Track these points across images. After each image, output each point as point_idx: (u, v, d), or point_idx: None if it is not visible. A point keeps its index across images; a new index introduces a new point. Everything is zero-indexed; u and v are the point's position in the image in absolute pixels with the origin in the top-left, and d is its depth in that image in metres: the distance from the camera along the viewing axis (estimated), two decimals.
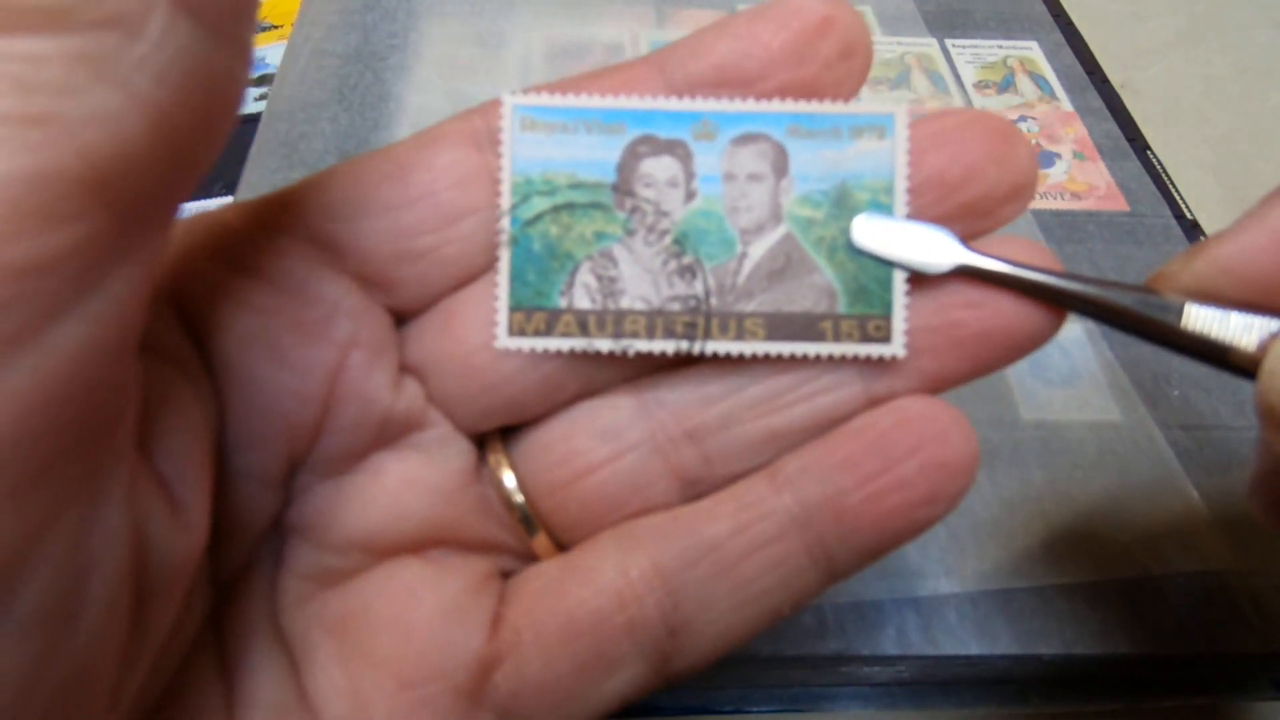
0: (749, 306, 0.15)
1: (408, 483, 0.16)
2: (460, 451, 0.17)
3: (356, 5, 0.43)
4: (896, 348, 0.15)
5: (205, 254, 0.15)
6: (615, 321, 0.15)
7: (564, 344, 0.15)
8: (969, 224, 0.15)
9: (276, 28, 0.44)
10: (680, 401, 0.16)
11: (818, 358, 0.15)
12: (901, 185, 0.15)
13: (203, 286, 0.15)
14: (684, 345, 0.15)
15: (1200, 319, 0.15)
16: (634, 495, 0.16)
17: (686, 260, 0.15)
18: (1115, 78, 0.42)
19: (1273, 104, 0.44)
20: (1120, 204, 0.36)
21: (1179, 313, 0.15)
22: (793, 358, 0.15)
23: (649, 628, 0.15)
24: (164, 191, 0.11)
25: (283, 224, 0.15)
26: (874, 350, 0.15)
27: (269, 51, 0.42)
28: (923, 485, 0.15)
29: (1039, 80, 0.42)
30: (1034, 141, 0.39)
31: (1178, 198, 0.37)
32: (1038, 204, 0.36)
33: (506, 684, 0.16)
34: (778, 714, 0.26)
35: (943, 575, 0.26)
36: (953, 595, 0.25)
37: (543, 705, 0.16)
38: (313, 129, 0.37)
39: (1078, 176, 0.37)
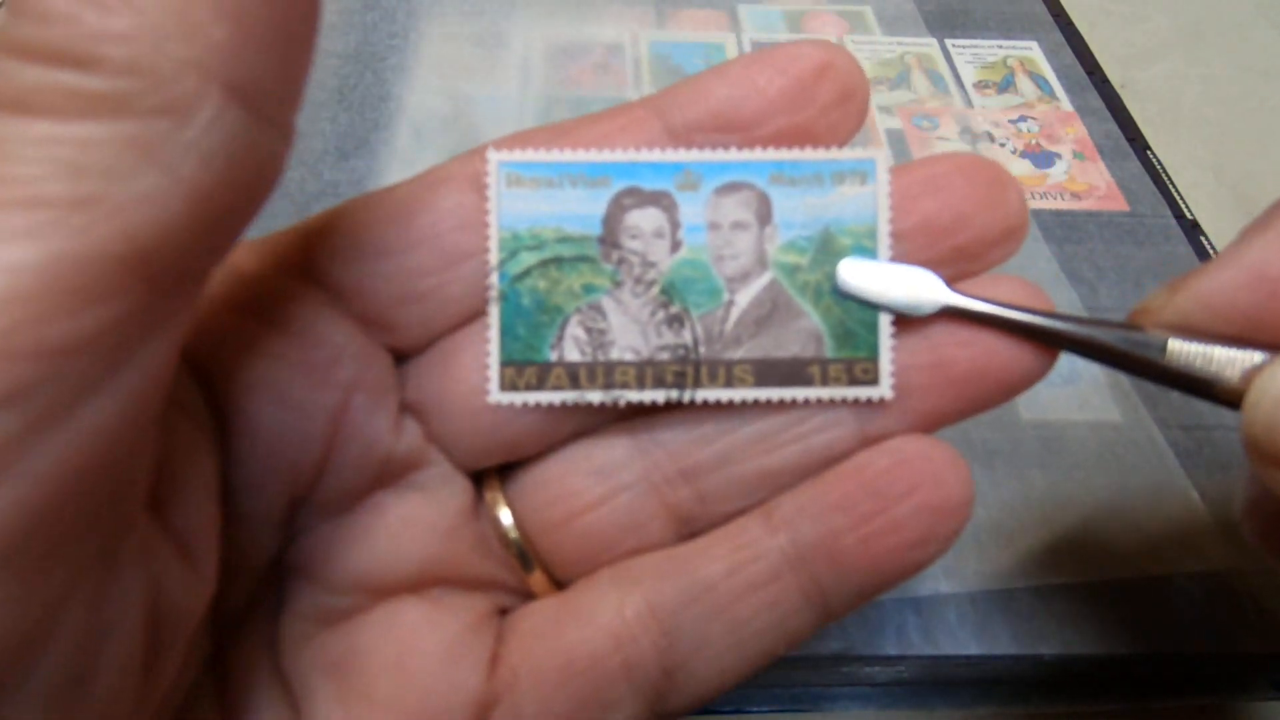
0: (737, 354, 0.16)
1: (407, 522, 0.16)
2: (459, 490, 0.17)
3: (356, 5, 0.43)
4: (884, 390, 0.15)
5: (210, 298, 0.15)
6: (605, 373, 0.16)
7: (555, 397, 0.16)
8: (960, 267, 0.15)
9: None
10: (675, 441, 0.16)
11: (806, 402, 0.16)
12: (884, 229, 0.15)
13: (208, 330, 0.15)
14: (674, 394, 0.16)
15: (1183, 354, 0.15)
16: (629, 534, 0.16)
17: (674, 310, 0.16)
18: (1115, 78, 0.42)
19: (1273, 104, 0.44)
20: (1120, 204, 0.36)
21: (1162, 348, 0.15)
22: (782, 403, 0.16)
23: (644, 668, 0.16)
24: (199, 264, 0.11)
25: (287, 266, 0.15)
26: (862, 393, 0.15)
27: None
28: (917, 527, 0.15)
29: (1039, 80, 0.42)
30: (1034, 141, 0.39)
31: (1178, 198, 0.37)
32: (1038, 204, 0.36)
33: None
34: (778, 714, 0.26)
35: (943, 575, 0.26)
36: (953, 595, 0.25)
37: None
38: (312, 129, 0.37)
39: (1078, 176, 0.37)
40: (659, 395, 0.16)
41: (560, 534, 0.17)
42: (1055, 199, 0.36)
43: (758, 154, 0.15)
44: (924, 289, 0.15)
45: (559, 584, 0.17)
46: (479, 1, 0.43)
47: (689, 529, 0.17)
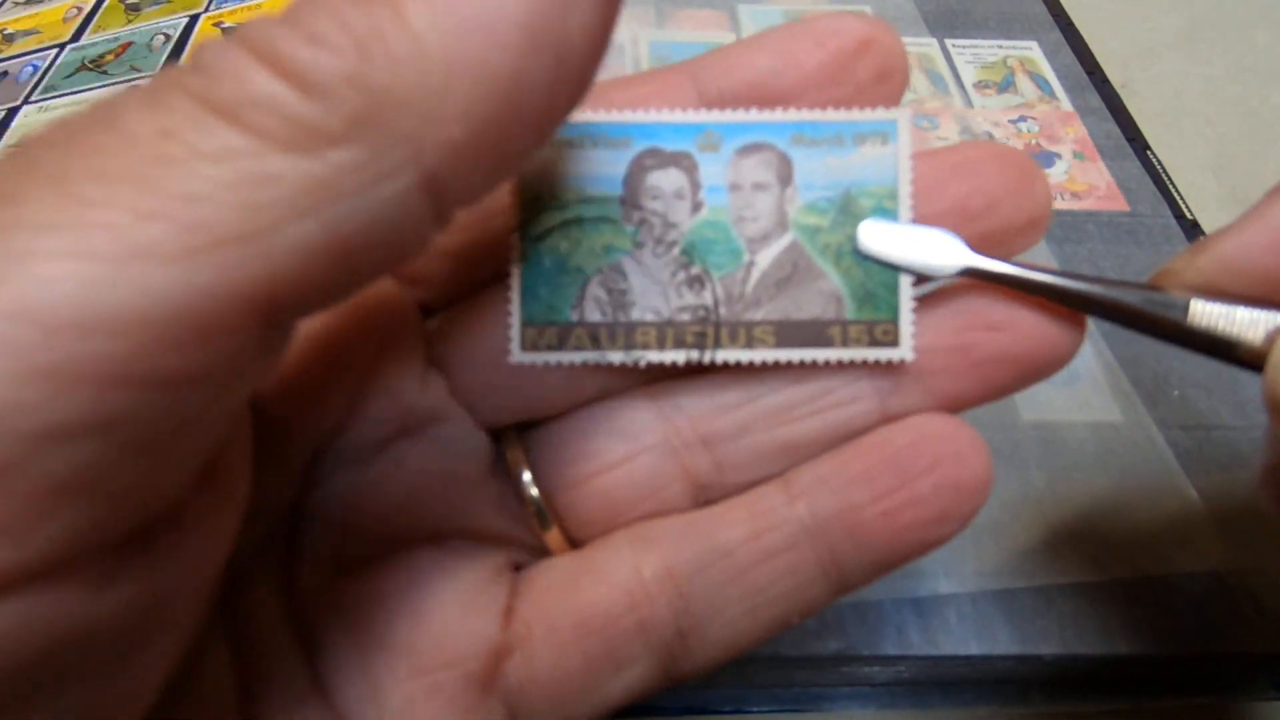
0: (757, 315, 0.16)
1: (426, 473, 0.16)
2: (478, 445, 0.17)
3: None
4: (905, 351, 0.15)
5: None
6: (626, 333, 0.16)
7: (576, 357, 0.16)
8: (984, 252, 0.15)
9: None
10: (697, 407, 0.16)
11: (827, 363, 0.16)
12: (905, 190, 0.15)
13: None
14: (694, 355, 0.16)
15: (1206, 315, 0.15)
16: (646, 496, 0.17)
17: (695, 271, 0.16)
18: (1115, 78, 0.42)
19: (1273, 104, 0.44)
20: (1120, 204, 0.36)
21: (1185, 309, 0.15)
22: (802, 364, 0.16)
23: (660, 628, 0.16)
24: (314, 311, 0.11)
25: None
26: (882, 354, 0.15)
27: None
28: (936, 503, 0.15)
29: (1039, 80, 0.42)
30: (1034, 141, 0.39)
31: (1178, 198, 0.37)
32: None
33: (516, 675, 0.16)
34: (778, 714, 0.26)
35: (942, 575, 0.26)
36: (953, 595, 0.25)
37: (551, 699, 0.16)
38: None
39: (1078, 176, 0.37)
40: (679, 356, 0.16)
41: (578, 493, 0.17)
42: (1055, 199, 0.36)
43: (779, 115, 0.15)
44: (945, 250, 0.15)
45: (575, 543, 0.17)
46: None
47: (705, 496, 0.17)
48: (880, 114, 0.15)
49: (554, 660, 0.16)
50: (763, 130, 0.15)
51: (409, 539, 0.16)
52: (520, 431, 0.17)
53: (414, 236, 0.11)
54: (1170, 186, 0.37)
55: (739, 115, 0.15)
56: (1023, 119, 0.40)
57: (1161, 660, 0.25)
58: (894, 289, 0.15)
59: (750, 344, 0.16)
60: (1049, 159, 0.38)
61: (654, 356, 0.16)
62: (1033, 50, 0.43)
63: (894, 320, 0.15)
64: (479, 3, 0.10)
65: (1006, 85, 0.41)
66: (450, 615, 0.16)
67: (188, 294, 0.09)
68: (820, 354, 0.15)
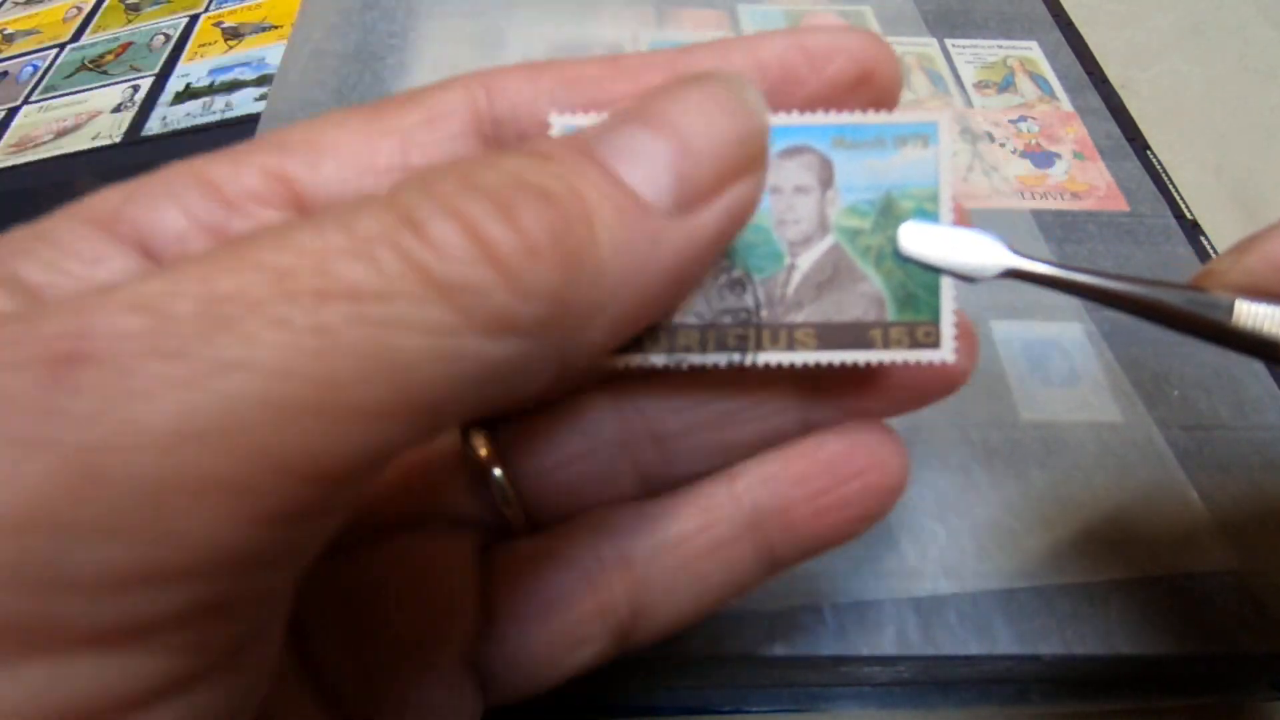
0: (799, 317, 0.16)
1: (402, 460, 0.17)
2: (450, 433, 0.18)
3: (356, 5, 0.43)
4: (946, 353, 0.15)
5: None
6: (669, 336, 0.16)
7: (620, 361, 0.16)
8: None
9: (276, 28, 0.44)
10: (651, 408, 0.18)
11: (869, 365, 0.16)
12: (946, 193, 0.15)
13: None
14: (736, 358, 0.16)
15: (1252, 315, 0.15)
16: (602, 486, 0.18)
17: (736, 274, 0.16)
18: (1115, 78, 0.42)
19: (1273, 104, 0.44)
20: (1120, 204, 0.36)
21: (1229, 310, 0.15)
22: (844, 366, 0.16)
23: (616, 611, 0.17)
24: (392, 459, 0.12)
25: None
26: (923, 356, 0.15)
27: (269, 52, 0.42)
28: (862, 504, 0.17)
29: (1039, 80, 0.42)
30: (1034, 141, 0.39)
31: (1178, 198, 0.37)
32: (1038, 204, 0.36)
33: (485, 653, 0.17)
34: (778, 714, 0.26)
35: (942, 575, 0.26)
36: (953, 595, 0.25)
37: (515, 674, 0.17)
38: None
39: (1078, 176, 0.37)
40: (721, 358, 0.16)
41: (542, 481, 0.18)
42: (1055, 199, 0.36)
43: (819, 117, 0.15)
44: (986, 252, 0.15)
45: (537, 528, 0.18)
46: (479, 1, 0.43)
47: (650, 486, 0.18)
48: (921, 115, 0.15)
49: (519, 640, 0.17)
50: (803, 133, 0.15)
51: (385, 523, 0.17)
52: (488, 421, 0.18)
53: (520, 399, 0.12)
54: (1170, 186, 0.37)
55: (780, 118, 0.15)
56: (1023, 119, 0.40)
57: (1161, 660, 0.25)
58: (935, 291, 0.15)
59: (792, 346, 0.16)
60: (1049, 159, 0.38)
61: (696, 359, 0.16)
62: (1033, 50, 0.43)
63: (935, 322, 0.15)
64: (649, 236, 0.12)
65: (1006, 85, 0.41)
66: (429, 597, 0.17)
67: (374, 448, 0.10)
68: (862, 356, 0.15)
